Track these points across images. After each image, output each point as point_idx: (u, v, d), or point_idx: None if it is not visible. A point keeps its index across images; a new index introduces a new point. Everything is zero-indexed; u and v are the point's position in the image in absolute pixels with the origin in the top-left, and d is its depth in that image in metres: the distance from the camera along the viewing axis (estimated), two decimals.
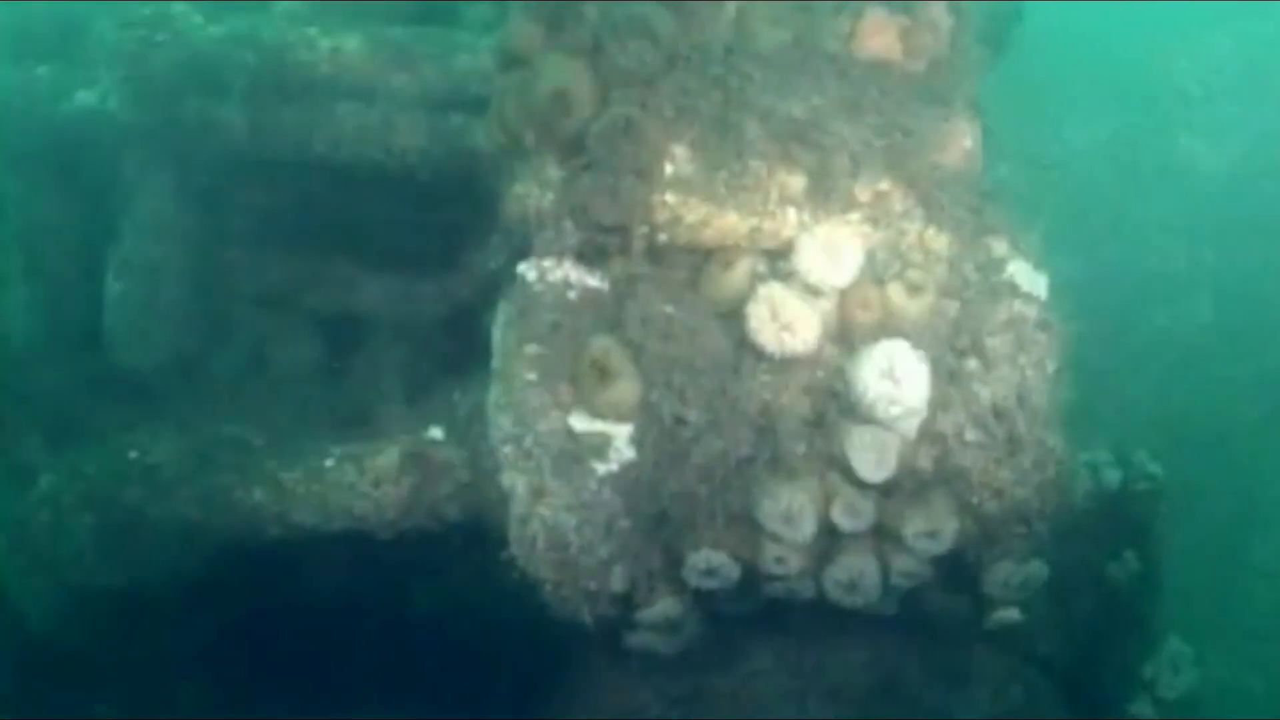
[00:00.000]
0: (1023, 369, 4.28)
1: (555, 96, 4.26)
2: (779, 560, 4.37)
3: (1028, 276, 4.39)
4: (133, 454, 5.01)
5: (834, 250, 4.25)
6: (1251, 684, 8.02)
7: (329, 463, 4.82)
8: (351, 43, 5.35)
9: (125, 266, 5.65)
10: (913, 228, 4.37)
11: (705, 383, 4.26)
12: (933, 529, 4.31)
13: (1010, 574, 4.50)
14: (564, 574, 4.30)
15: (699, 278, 4.47)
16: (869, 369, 4.17)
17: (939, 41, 4.33)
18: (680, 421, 4.26)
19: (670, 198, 4.29)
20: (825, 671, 5.28)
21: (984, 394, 4.26)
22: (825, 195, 4.31)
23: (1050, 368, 4.33)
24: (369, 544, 4.81)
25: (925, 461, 4.30)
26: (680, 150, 4.29)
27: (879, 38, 4.33)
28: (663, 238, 4.36)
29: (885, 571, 4.42)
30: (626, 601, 4.48)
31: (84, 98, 5.66)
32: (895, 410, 4.18)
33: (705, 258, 4.46)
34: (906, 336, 4.25)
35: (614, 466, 4.24)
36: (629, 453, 4.25)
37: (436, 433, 4.76)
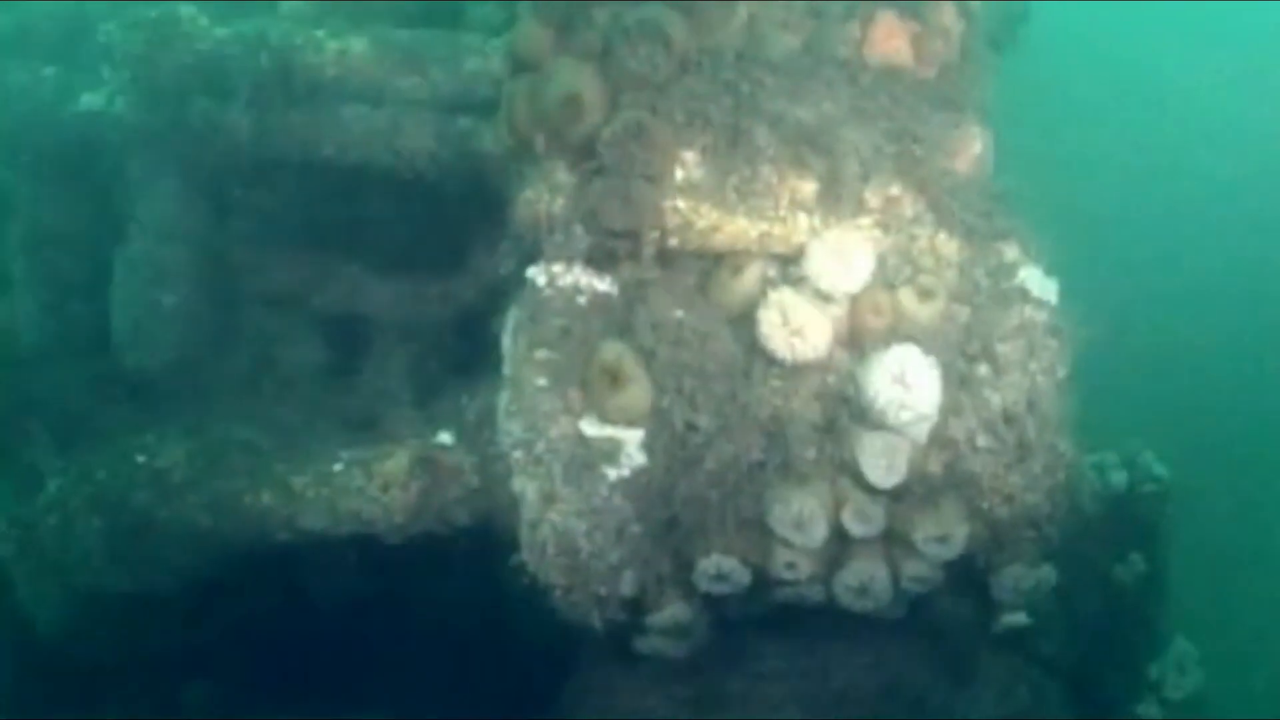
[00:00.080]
0: (1033, 375, 4.28)
1: (566, 101, 4.25)
2: (790, 565, 4.38)
3: (1038, 282, 4.39)
4: (141, 458, 5.00)
5: (845, 255, 4.25)
6: (1256, 684, 8.06)
7: (338, 467, 4.80)
8: (359, 45, 5.34)
9: (132, 268, 5.63)
10: (923, 233, 4.37)
11: (716, 388, 4.26)
12: (943, 534, 4.32)
13: (1020, 578, 4.51)
14: (574, 579, 4.30)
15: (708, 283, 4.47)
16: (880, 374, 4.17)
17: (950, 47, 4.32)
18: (691, 427, 4.26)
19: (681, 203, 4.29)
20: (832, 673, 5.30)
21: (995, 400, 4.26)
22: (836, 200, 4.30)
23: (1060, 373, 4.33)
24: (377, 548, 4.81)
25: (936, 467, 4.31)
26: (691, 155, 4.28)
27: (890, 43, 4.32)
28: (673, 242, 4.36)
29: (896, 576, 4.44)
30: (636, 606, 4.50)
31: (90, 100, 5.65)
32: (906, 416, 4.18)
33: (715, 262, 4.47)
34: (917, 342, 4.24)
35: (625, 472, 4.24)
36: (640, 458, 4.25)
37: (446, 437, 4.75)
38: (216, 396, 5.70)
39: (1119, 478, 5.71)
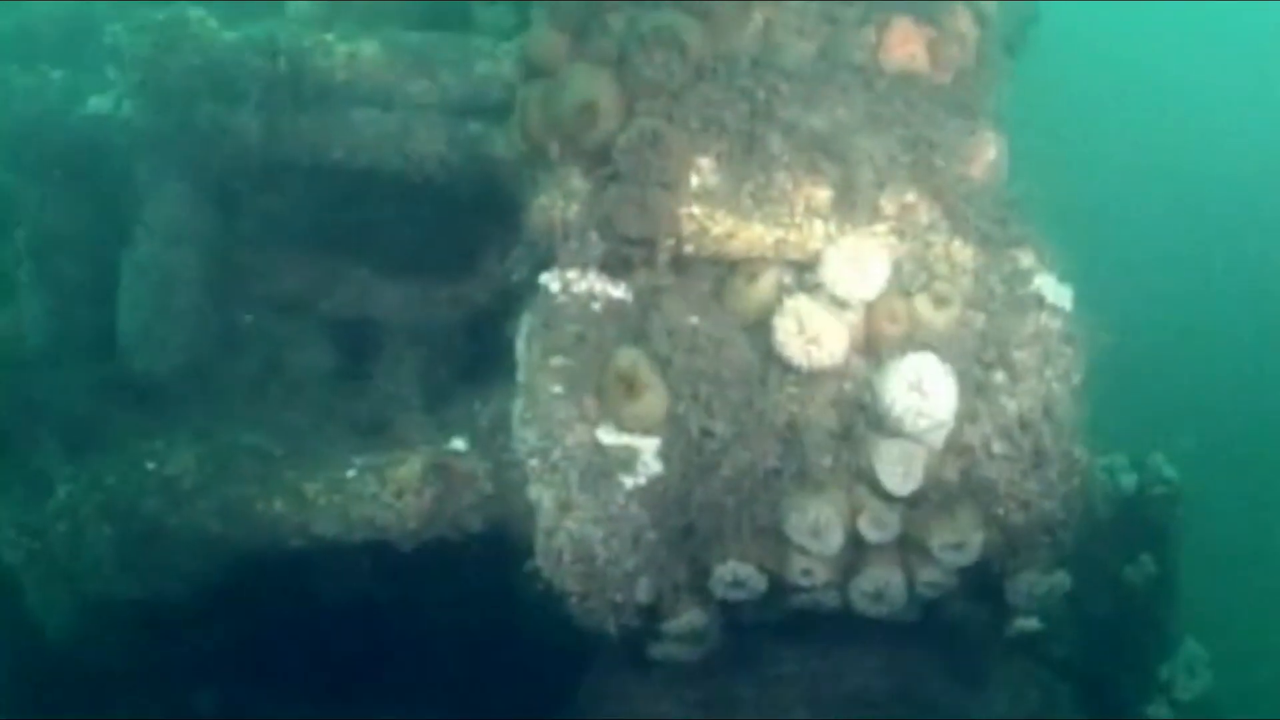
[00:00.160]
0: (1049, 382, 4.28)
1: (582, 108, 4.24)
2: (806, 572, 4.38)
3: (1053, 288, 4.39)
4: (150, 464, 4.98)
5: (860, 263, 4.24)
6: (1259, 682, 8.09)
7: (350, 473, 4.78)
8: (369, 48, 5.31)
9: (139, 272, 5.59)
10: (939, 239, 4.37)
11: (732, 395, 4.25)
12: (959, 540, 4.32)
13: (1034, 584, 4.52)
14: (590, 586, 4.30)
15: (723, 289, 4.46)
16: (897, 382, 4.17)
17: (966, 53, 4.31)
18: (707, 434, 4.25)
19: (696, 209, 4.28)
20: (844, 677, 5.31)
21: (1011, 406, 4.26)
22: (851, 207, 4.30)
23: (1075, 379, 4.34)
24: (391, 555, 4.79)
25: (952, 473, 4.31)
26: (706, 162, 4.28)
27: (906, 49, 4.31)
28: (689, 249, 4.36)
29: (911, 582, 4.44)
30: (651, 612, 4.49)
31: (98, 103, 5.61)
32: (923, 423, 4.18)
33: (729, 269, 4.46)
34: (933, 349, 4.24)
35: (641, 479, 4.23)
36: (656, 466, 4.24)
37: (460, 443, 4.73)
38: (225, 401, 5.67)
39: (1129, 480, 5.72)
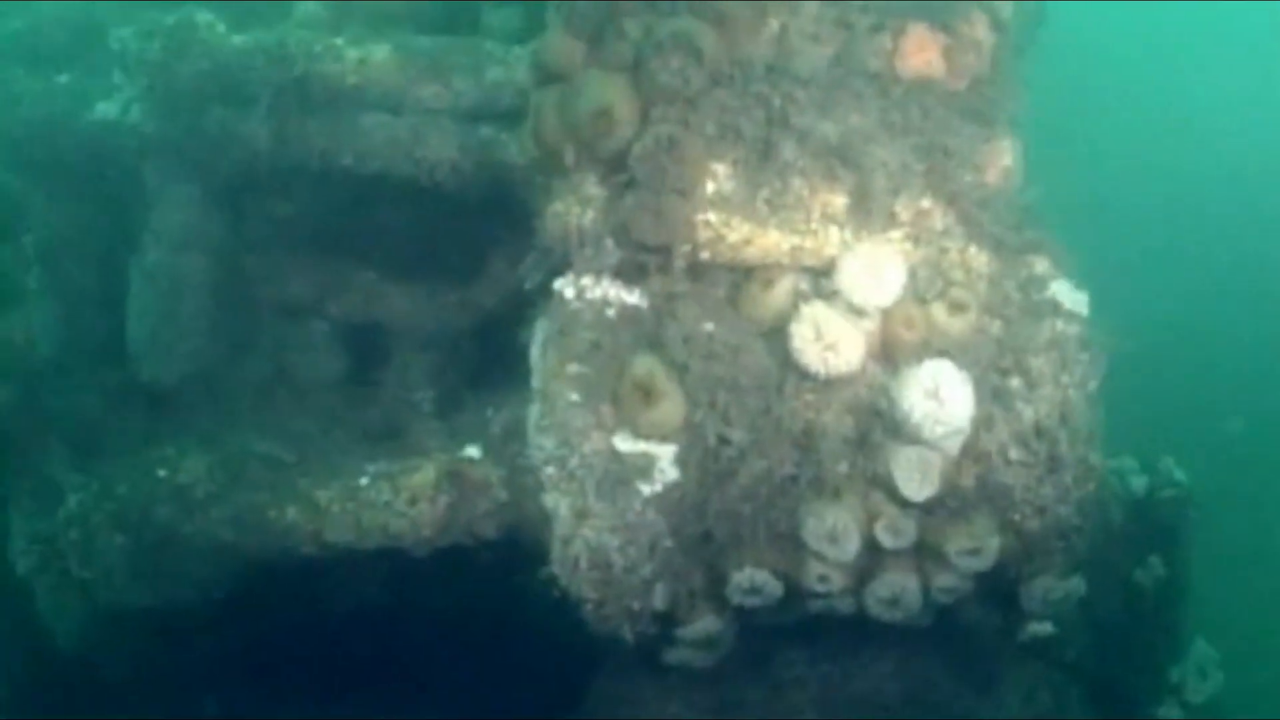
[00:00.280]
0: (1065, 388, 4.28)
1: (598, 114, 4.22)
2: (822, 578, 4.38)
3: (1069, 294, 4.40)
4: (162, 472, 4.96)
5: (877, 269, 4.24)
6: (1267, 685, 8.11)
7: (364, 481, 4.78)
8: (380, 53, 5.28)
9: (148, 278, 5.57)
10: (954, 246, 4.37)
11: (749, 402, 4.25)
12: (975, 546, 4.32)
13: (1050, 589, 4.52)
14: (606, 593, 4.29)
15: (738, 296, 4.46)
16: (914, 389, 4.17)
17: (981, 60, 4.31)
18: (724, 441, 4.25)
19: (712, 216, 4.27)
20: (855, 680, 5.32)
21: (1027, 413, 4.26)
22: (866, 214, 4.30)
23: (1092, 386, 4.34)
24: (404, 563, 4.79)
25: (968, 479, 4.31)
26: (722, 168, 4.27)
27: (922, 55, 4.29)
28: (705, 256, 4.35)
29: (926, 587, 4.45)
30: (666, 618, 4.49)
31: (106, 108, 5.57)
32: (940, 430, 4.18)
33: (744, 275, 4.45)
34: (949, 355, 4.24)
35: (658, 487, 4.22)
36: (673, 473, 4.23)
37: (474, 451, 4.72)
38: (234, 407, 5.65)
39: (1139, 482, 5.74)
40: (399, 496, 4.72)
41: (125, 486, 4.98)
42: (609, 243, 4.33)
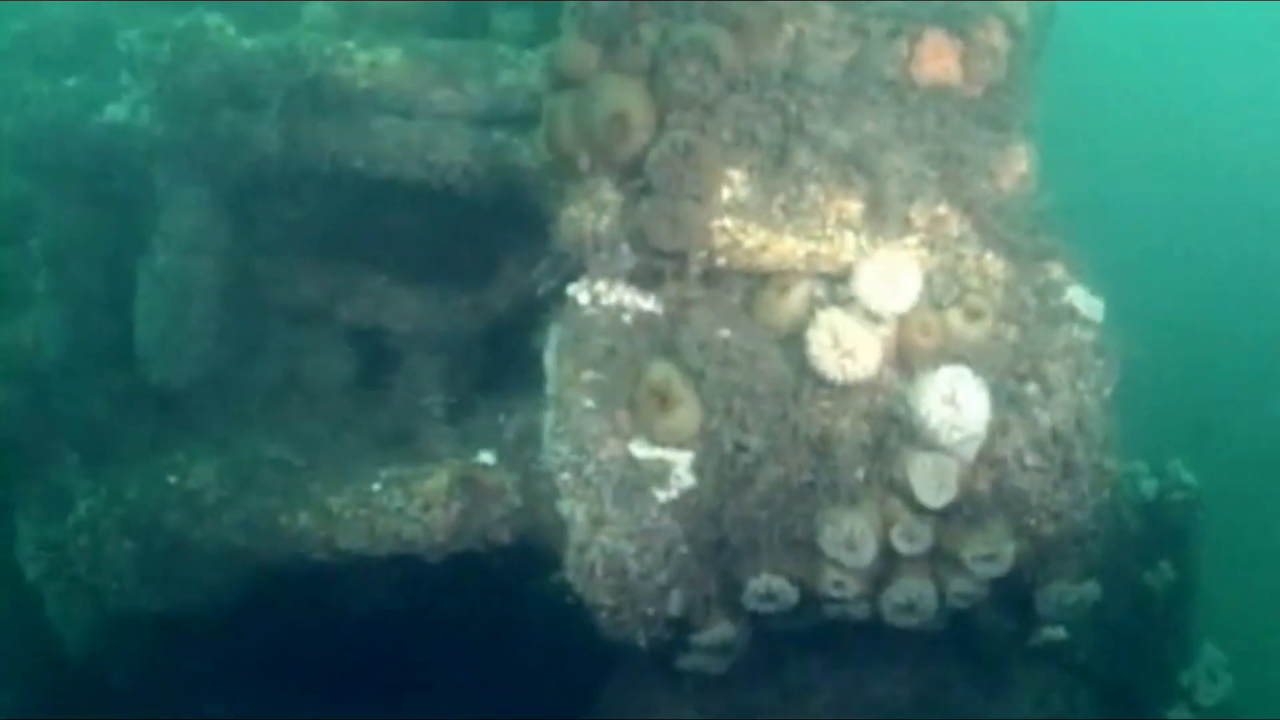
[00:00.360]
0: (1081, 394, 4.29)
1: (614, 119, 4.21)
2: (838, 584, 4.37)
3: (1085, 300, 4.39)
4: (172, 478, 4.95)
5: (893, 276, 4.24)
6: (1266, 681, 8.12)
7: (376, 486, 4.77)
8: (391, 56, 5.26)
9: (157, 281, 5.54)
10: (969, 252, 4.37)
11: (765, 409, 4.24)
12: (991, 552, 4.32)
13: (1064, 594, 4.53)
14: (621, 600, 4.29)
15: (753, 302, 4.45)
16: (931, 395, 4.17)
17: (998, 66, 4.30)
18: (741, 448, 4.24)
19: (728, 222, 4.26)
20: (868, 684, 5.32)
21: (1044, 419, 4.26)
22: (881, 220, 4.29)
23: (1107, 392, 4.34)
24: (417, 569, 4.77)
25: (984, 485, 4.30)
26: (738, 174, 4.26)
27: (938, 62, 4.28)
28: (720, 262, 4.34)
29: (941, 593, 4.44)
30: (681, 624, 4.48)
31: (115, 110, 5.54)
32: (956, 436, 4.18)
33: (760, 281, 4.44)
34: (966, 362, 4.24)
35: (674, 493, 4.22)
36: (689, 480, 4.23)
37: (487, 457, 4.71)
38: (244, 411, 5.63)
39: (1149, 486, 5.75)
40: (412, 502, 4.71)
41: (135, 491, 4.96)
42: (624, 248, 4.32)
